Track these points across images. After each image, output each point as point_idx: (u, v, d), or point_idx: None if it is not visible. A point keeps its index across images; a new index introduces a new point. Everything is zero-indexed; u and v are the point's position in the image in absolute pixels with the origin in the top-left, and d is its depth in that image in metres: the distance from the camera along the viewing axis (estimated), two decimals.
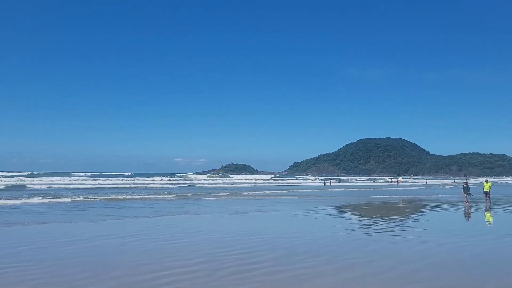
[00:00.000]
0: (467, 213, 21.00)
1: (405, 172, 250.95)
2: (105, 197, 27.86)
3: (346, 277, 7.77)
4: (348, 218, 19.32)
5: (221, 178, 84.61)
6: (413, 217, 19.15)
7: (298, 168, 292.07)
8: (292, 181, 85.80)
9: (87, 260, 9.06)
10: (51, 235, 12.49)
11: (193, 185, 53.60)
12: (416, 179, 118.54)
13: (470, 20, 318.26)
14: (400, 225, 15.73)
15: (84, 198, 26.81)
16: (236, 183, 65.84)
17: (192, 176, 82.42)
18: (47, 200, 24.90)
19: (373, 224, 15.84)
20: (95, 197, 27.65)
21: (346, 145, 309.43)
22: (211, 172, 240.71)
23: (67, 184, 47.75)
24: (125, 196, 28.73)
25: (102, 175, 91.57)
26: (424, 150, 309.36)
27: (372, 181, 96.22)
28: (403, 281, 7.61)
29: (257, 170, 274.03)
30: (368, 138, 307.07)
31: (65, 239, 11.69)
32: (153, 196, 29.87)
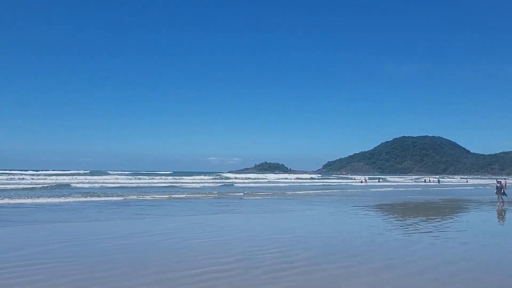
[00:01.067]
0: (501, 215, 20.03)
1: (444, 171, 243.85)
2: (153, 196, 28.46)
3: (384, 277, 7.59)
4: (384, 218, 18.91)
5: (258, 177, 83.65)
6: (452, 218, 18.53)
7: (332, 167, 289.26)
8: (332, 180, 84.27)
9: (125, 256, 9.27)
10: (91, 232, 12.86)
11: (231, 184, 53.98)
12: (454, 178, 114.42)
13: (509, 17, 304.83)
14: (439, 226, 15.24)
15: (136, 196, 27.48)
16: (273, 182, 65.37)
17: (232, 175, 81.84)
18: (94, 199, 25.68)
19: (411, 225, 15.43)
20: (143, 196, 28.27)
21: (382, 143, 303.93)
22: (245, 171, 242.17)
23: (113, 182, 48.51)
24: (170, 196, 29.18)
25: (141, 173, 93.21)
26: (464, 148, 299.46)
27: (413, 180, 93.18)
28: (443, 282, 7.36)
29: (290, 169, 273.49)
30: (404, 136, 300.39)
31: (104, 236, 12.02)
32: (196, 195, 30.24)
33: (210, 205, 22.80)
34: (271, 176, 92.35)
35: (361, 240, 11.77)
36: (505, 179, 34.43)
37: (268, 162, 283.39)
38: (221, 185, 49.46)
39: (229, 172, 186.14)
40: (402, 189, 49.62)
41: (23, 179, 50.32)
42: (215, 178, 69.76)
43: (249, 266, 8.33)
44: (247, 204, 24.29)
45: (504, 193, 24.67)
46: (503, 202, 24.22)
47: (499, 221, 17.89)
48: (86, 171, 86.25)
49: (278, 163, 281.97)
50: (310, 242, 11.19)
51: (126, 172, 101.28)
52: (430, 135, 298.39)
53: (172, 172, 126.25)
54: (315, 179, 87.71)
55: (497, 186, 25.22)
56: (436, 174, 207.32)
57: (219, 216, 17.94)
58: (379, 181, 79.39)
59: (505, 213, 20.61)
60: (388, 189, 48.84)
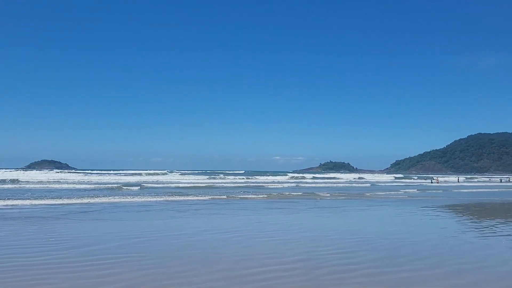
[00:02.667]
0: None
1: None
2: (244, 196, 29.31)
3: (455, 283, 7.22)
4: (457, 219, 17.92)
5: (335, 177, 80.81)
6: None
7: (401, 166, 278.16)
8: (416, 180, 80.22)
9: (192, 253, 9.64)
10: (161, 228, 13.49)
11: (303, 183, 53.74)
12: None
13: None
14: None
15: (228, 196, 28.46)
16: (353, 181, 63.71)
17: (307, 176, 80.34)
18: (173, 198, 26.94)
19: (487, 227, 14.48)
20: (236, 196, 29.18)
21: (455, 141, 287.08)
22: (309, 170, 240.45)
23: (193, 182, 49.26)
24: (244, 196, 29.82)
25: (214, 173, 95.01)
26: None
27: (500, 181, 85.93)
28: None
29: (356, 168, 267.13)
30: (480, 133, 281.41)
31: (173, 233, 12.57)
32: (274, 195, 30.64)
33: (281, 205, 22.95)
34: (349, 176, 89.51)
35: (431, 242, 11.26)
36: None
37: (333, 161, 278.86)
38: (299, 186, 49.00)
39: (293, 171, 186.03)
40: (483, 190, 46.60)
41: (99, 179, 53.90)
42: (290, 178, 69.20)
43: (312, 267, 8.31)
44: (316, 205, 24.12)
45: None
46: None
47: None
48: (162, 171, 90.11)
49: (343, 162, 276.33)
50: (376, 244, 10.91)
51: (196, 172, 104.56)
52: (510, 131, 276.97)
53: (244, 171, 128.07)
54: (397, 179, 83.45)
55: None
56: None
57: (282, 215, 18.02)
58: (431, 182, 69.97)
59: None
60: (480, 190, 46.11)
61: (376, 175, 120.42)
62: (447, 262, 8.82)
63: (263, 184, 48.33)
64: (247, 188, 39.27)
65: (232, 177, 69.32)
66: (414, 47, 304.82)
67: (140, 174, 69.53)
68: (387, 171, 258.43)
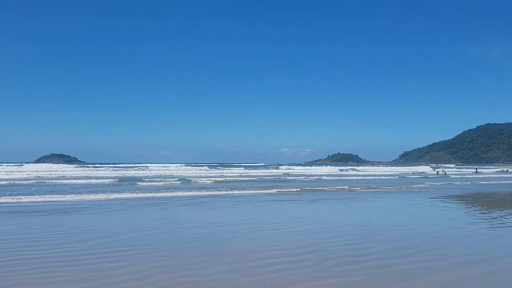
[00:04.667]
0: None
1: None
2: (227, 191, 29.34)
3: (463, 274, 7.20)
4: (466, 210, 17.82)
5: (351, 171, 78.24)
6: None
7: (409, 157, 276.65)
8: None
9: (201, 245, 9.70)
10: (170, 220, 13.59)
11: (313, 176, 53.68)
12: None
13: None
14: None
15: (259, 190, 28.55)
16: (361, 175, 61.16)
17: (318, 169, 78.54)
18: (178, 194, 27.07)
19: (496, 218, 14.40)
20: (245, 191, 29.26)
21: (464, 131, 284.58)
22: (317, 162, 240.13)
23: (214, 176, 48.53)
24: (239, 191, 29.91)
25: (226, 165, 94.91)
26: None
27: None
28: None
29: (364, 159, 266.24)
30: (490, 123, 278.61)
31: (182, 225, 12.66)
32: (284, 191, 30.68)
33: (292, 198, 22.97)
34: (358, 169, 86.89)
35: (440, 233, 11.22)
36: None
37: (341, 153, 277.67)
38: (308, 179, 49.24)
39: (301, 163, 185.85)
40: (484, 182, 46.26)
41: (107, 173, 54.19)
42: (288, 170, 68.91)
43: (320, 258, 8.34)
44: (324, 197, 24.12)
45: None
46: None
47: None
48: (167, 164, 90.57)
49: (351, 154, 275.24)
50: (384, 235, 10.90)
51: (212, 164, 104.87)
52: None
53: (263, 164, 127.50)
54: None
55: None
56: None
57: (289, 206, 18.05)
58: (437, 174, 66.22)
59: None
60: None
61: (380, 167, 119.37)
62: (456, 253, 8.80)
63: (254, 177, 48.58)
64: (248, 182, 39.46)
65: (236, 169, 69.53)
66: (425, 36, 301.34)
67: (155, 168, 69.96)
68: (396, 162, 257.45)
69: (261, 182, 36.62)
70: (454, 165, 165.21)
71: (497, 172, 77.33)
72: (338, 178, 47.80)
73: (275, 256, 8.51)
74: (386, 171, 74.07)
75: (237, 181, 38.99)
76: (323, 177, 48.16)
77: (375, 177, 49.56)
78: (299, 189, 27.99)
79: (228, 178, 42.87)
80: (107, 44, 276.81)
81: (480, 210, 17.67)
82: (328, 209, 17.41)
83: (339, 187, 30.50)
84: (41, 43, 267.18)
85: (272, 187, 29.31)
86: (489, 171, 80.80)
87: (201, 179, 40.59)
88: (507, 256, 8.61)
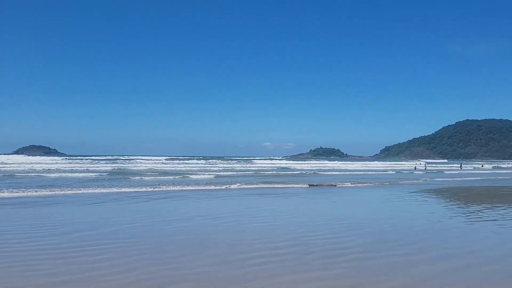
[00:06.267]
0: None
1: None
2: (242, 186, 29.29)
3: (442, 267, 7.39)
4: (444, 205, 18.22)
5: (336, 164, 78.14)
6: None
7: (390, 152, 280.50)
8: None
9: (185, 238, 9.71)
10: (153, 213, 13.53)
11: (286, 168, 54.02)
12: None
13: None
14: (506, 214, 14.47)
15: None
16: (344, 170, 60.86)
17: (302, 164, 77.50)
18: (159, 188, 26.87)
19: (473, 212, 14.78)
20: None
21: (444, 127, 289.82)
22: (300, 156, 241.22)
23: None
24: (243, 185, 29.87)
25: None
26: None
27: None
28: (507, 274, 7.06)
29: (346, 154, 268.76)
30: (468, 119, 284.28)
31: (165, 218, 12.62)
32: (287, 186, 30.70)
33: (274, 193, 23.09)
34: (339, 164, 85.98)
35: (419, 228, 11.47)
36: None
37: (324, 147, 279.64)
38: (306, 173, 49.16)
39: (283, 157, 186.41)
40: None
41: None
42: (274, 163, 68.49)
43: (302, 251, 8.44)
44: (304, 191, 24.32)
45: None
46: None
47: None
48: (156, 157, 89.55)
49: (333, 148, 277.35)
50: (365, 229, 11.09)
51: (181, 157, 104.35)
52: (497, 118, 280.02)
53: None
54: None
55: None
56: (504, 159, 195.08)
57: (272, 200, 18.17)
58: (415, 169, 65.52)
59: None
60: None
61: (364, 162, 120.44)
62: (435, 247, 9.01)
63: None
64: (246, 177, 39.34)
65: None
66: (406, 33, 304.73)
67: (148, 161, 69.14)
68: (377, 156, 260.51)
69: (262, 177, 36.60)
70: (446, 160, 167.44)
71: (475, 168, 79.01)
72: (330, 173, 48.20)
73: (259, 249, 8.58)
74: (378, 167, 72.79)
75: (230, 176, 38.52)
76: (307, 172, 48.47)
77: (365, 173, 49.74)
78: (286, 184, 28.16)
79: (221, 173, 42.34)
80: (89, 36, 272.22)
81: (458, 204, 18.09)
82: (310, 203, 17.57)
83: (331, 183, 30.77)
84: (21, 34, 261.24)
85: (279, 182, 29.42)
86: (470, 167, 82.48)
87: (197, 174, 39.91)
88: (483, 250, 8.86)
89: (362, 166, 70.74)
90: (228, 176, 36.71)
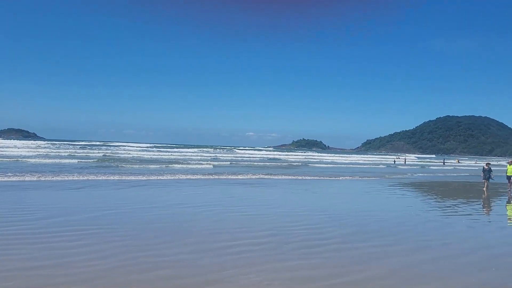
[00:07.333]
0: (486, 202, 17.56)
1: (489, 153, 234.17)
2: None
3: (418, 258, 7.55)
4: (422, 198, 18.58)
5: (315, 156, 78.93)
6: (495, 201, 17.94)
7: (371, 146, 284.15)
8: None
9: (164, 226, 9.68)
10: (134, 201, 13.43)
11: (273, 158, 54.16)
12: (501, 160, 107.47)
13: None
14: (480, 209, 14.85)
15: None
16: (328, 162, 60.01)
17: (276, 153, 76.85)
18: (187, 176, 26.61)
19: (450, 207, 15.10)
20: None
21: (424, 122, 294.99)
22: (282, 147, 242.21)
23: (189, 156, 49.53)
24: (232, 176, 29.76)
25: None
26: None
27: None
28: (479, 266, 7.25)
29: (328, 146, 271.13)
30: (449, 115, 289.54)
31: (145, 206, 12.54)
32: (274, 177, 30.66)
33: (252, 182, 23.12)
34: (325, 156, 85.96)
35: (397, 220, 11.68)
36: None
37: (306, 138, 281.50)
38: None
39: (266, 147, 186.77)
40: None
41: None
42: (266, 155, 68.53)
43: (282, 241, 8.51)
44: (285, 182, 24.45)
45: (490, 178, 22.04)
46: (488, 187, 21.93)
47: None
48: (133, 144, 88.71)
49: (316, 140, 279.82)
50: (344, 220, 11.23)
51: (159, 145, 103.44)
52: (477, 115, 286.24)
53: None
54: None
55: (483, 168, 22.49)
56: (481, 155, 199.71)
57: (254, 190, 18.23)
58: (394, 162, 67.23)
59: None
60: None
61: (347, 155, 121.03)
62: (412, 239, 9.20)
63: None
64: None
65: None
66: (390, 29, 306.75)
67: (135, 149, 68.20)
68: (358, 150, 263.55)
69: (258, 169, 36.60)
70: (435, 155, 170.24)
71: (452, 164, 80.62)
72: (318, 165, 48.50)
73: (238, 238, 8.61)
74: (366, 160, 72.86)
75: (221, 166, 38.60)
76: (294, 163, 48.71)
77: (354, 166, 49.97)
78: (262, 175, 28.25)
79: (214, 163, 42.30)
80: (74, 18, 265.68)
81: (435, 198, 18.45)
82: (291, 194, 17.69)
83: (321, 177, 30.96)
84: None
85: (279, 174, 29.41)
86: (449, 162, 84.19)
87: (181, 163, 39.98)
88: (458, 242, 9.07)
89: (347, 159, 71.39)
90: (220, 166, 36.65)
